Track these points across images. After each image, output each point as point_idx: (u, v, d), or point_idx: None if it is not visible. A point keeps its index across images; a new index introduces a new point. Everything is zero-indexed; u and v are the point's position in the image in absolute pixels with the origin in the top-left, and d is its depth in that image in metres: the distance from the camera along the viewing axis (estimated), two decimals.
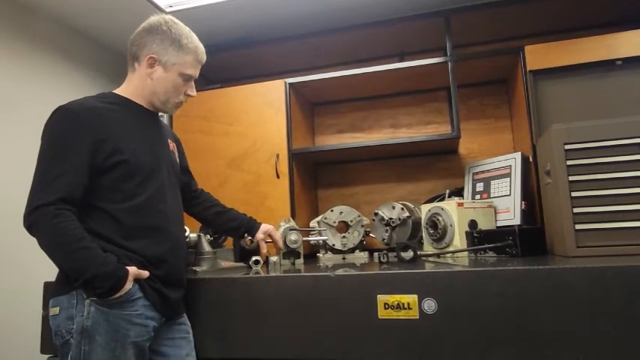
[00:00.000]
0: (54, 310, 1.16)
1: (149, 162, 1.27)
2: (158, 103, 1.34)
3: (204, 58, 1.37)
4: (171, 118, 2.41)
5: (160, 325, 1.24)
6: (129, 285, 1.14)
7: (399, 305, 1.23)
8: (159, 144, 1.35)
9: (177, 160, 1.47)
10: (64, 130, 1.17)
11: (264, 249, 1.60)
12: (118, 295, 1.12)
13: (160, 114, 1.41)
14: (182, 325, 1.33)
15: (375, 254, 1.90)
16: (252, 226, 1.61)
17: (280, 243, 1.66)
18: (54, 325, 1.16)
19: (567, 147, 1.43)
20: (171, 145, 1.44)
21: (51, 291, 1.20)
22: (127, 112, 1.29)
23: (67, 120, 1.18)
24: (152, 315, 1.20)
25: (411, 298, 1.23)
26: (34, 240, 1.13)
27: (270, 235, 1.62)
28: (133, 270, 1.15)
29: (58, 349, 1.16)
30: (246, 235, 1.62)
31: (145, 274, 1.18)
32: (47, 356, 1.50)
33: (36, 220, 1.11)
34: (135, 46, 1.32)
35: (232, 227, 1.60)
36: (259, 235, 1.60)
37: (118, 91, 1.34)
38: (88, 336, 1.12)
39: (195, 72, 1.35)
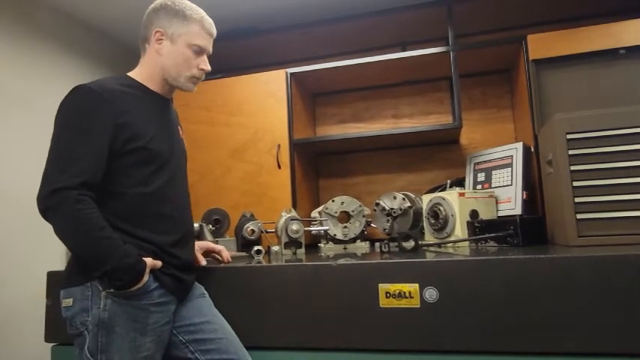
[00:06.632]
0: (67, 302, 1.14)
1: (164, 151, 1.25)
2: (170, 79, 1.30)
3: (212, 29, 1.33)
4: None
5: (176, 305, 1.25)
6: (147, 277, 1.13)
7: (401, 294, 1.24)
8: (172, 132, 1.33)
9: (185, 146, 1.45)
10: (86, 109, 1.12)
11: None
12: (136, 287, 1.11)
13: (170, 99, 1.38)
14: (195, 289, 1.34)
15: (377, 244, 1.91)
16: None
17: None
18: (67, 316, 1.14)
19: (569, 136, 1.43)
20: (181, 132, 1.42)
21: (62, 281, 1.17)
22: (144, 98, 1.26)
23: (89, 100, 1.13)
24: (168, 299, 1.20)
25: (413, 287, 1.24)
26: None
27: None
28: (149, 262, 1.14)
29: (72, 339, 1.14)
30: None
31: (159, 264, 1.17)
32: (51, 344, 1.51)
33: (56, 204, 1.05)
34: (144, 28, 1.30)
35: None
36: None
37: (133, 74, 1.30)
38: (106, 328, 1.10)
39: (205, 43, 1.31)
